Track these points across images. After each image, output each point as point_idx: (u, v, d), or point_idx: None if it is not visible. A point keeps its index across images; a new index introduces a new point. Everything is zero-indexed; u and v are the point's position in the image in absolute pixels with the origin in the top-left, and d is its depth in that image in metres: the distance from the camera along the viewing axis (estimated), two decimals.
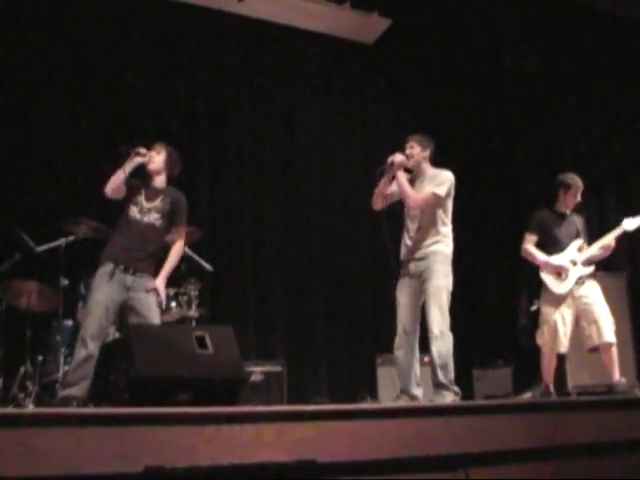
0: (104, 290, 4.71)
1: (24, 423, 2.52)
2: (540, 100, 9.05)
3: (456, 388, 4.84)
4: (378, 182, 5.14)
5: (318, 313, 8.24)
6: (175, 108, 7.87)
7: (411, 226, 5.16)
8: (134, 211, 4.86)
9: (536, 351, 5.82)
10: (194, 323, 6.11)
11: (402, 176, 5.12)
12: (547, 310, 5.72)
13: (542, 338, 5.71)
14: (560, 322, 5.63)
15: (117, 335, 5.45)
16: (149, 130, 7.53)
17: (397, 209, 5.34)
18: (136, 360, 3.61)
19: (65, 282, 5.90)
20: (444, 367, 4.81)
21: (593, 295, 5.67)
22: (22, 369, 5.70)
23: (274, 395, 6.63)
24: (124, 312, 4.81)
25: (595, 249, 5.77)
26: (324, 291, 8.32)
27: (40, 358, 5.73)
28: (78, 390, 4.53)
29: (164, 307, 5.91)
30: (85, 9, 7.40)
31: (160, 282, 4.91)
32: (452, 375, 4.85)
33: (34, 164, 6.90)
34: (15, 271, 5.91)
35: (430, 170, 5.22)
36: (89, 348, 4.55)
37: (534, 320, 5.99)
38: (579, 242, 5.82)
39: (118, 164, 4.82)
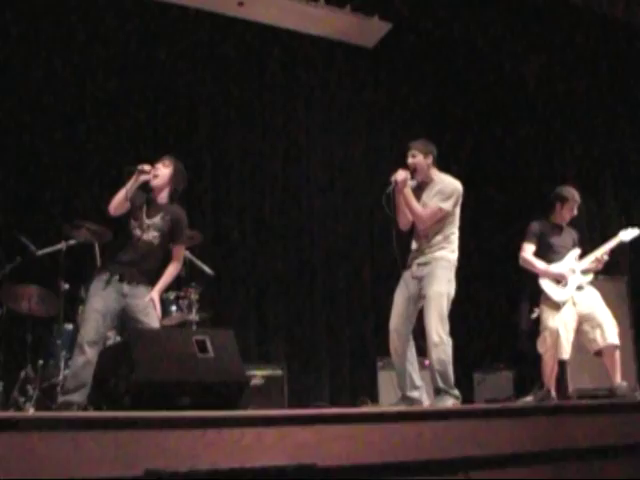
0: (100, 297, 4.71)
1: (25, 427, 2.52)
2: (541, 106, 9.05)
3: (456, 392, 4.82)
4: (391, 208, 5.06)
5: (319, 317, 8.24)
6: (175, 111, 7.87)
7: (418, 230, 5.16)
8: (134, 226, 4.84)
9: (537, 355, 5.81)
10: (195, 327, 6.10)
11: (408, 193, 5.07)
12: (548, 317, 5.71)
13: (544, 345, 5.69)
14: (562, 328, 5.61)
15: (118, 339, 5.44)
16: (149, 133, 7.55)
17: None
18: (136, 364, 3.61)
19: (66, 286, 5.91)
20: (443, 373, 4.80)
21: (593, 300, 5.67)
22: (23, 373, 5.70)
23: (275, 399, 6.63)
24: (123, 318, 4.80)
25: (593, 258, 5.78)
26: (325, 295, 8.32)
27: (41, 362, 5.73)
28: (77, 396, 4.53)
29: (162, 312, 5.93)
30: (84, 14, 7.41)
31: (155, 295, 4.90)
32: (451, 380, 4.84)
33: (35, 168, 6.91)
34: (16, 275, 5.92)
35: (437, 175, 5.17)
36: (87, 354, 4.55)
37: (535, 324, 5.98)
38: (577, 251, 5.83)
39: (122, 183, 4.76)
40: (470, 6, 7.98)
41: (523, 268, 5.95)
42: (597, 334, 5.57)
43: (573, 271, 5.72)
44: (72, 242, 6.02)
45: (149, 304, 4.82)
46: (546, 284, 5.74)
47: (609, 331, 5.55)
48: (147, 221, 4.87)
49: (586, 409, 4.05)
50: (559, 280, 5.72)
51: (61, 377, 5.53)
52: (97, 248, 6.09)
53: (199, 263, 6.41)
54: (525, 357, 7.44)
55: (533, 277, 5.92)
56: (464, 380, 4.99)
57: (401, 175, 5.03)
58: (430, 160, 5.17)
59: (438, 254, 4.99)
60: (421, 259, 5.03)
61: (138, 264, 4.83)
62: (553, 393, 5.67)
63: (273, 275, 8.09)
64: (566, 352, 5.65)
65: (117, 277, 4.76)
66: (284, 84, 8.63)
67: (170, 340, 3.92)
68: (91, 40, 7.45)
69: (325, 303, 8.30)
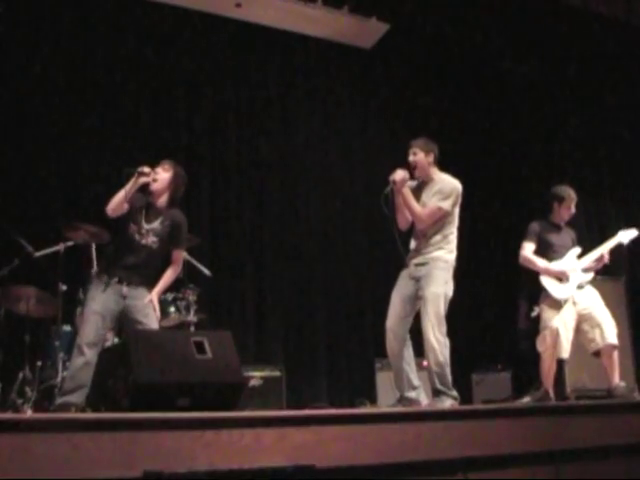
0: (100, 299, 4.71)
1: (23, 428, 2.52)
2: (539, 105, 9.06)
3: (454, 393, 4.82)
4: (389, 207, 5.06)
5: (317, 318, 8.23)
6: (173, 113, 7.87)
7: (416, 230, 5.16)
8: (133, 230, 4.83)
9: (535, 355, 5.81)
10: (193, 328, 6.10)
11: (407, 192, 5.07)
12: (548, 316, 5.71)
13: (543, 344, 5.69)
14: (562, 327, 5.62)
15: (116, 340, 5.44)
16: (147, 135, 7.54)
17: None
18: (135, 365, 3.61)
19: (64, 287, 5.90)
20: (441, 374, 4.80)
21: (593, 299, 5.69)
22: (21, 374, 5.68)
23: (273, 400, 6.62)
24: (122, 319, 4.80)
25: (593, 258, 5.79)
26: (323, 296, 8.31)
27: (39, 363, 5.72)
28: (75, 397, 4.52)
29: (161, 313, 5.93)
30: (82, 15, 7.41)
31: (154, 297, 4.90)
32: (449, 381, 4.84)
33: (33, 169, 6.90)
34: (14, 276, 5.90)
35: (437, 175, 5.17)
36: (86, 356, 4.55)
37: (534, 324, 5.99)
38: (577, 250, 5.84)
39: (121, 184, 4.73)
40: (468, 7, 7.98)
41: (522, 267, 5.95)
42: (596, 334, 5.58)
43: (574, 269, 5.74)
44: (70, 244, 6.01)
45: (148, 305, 4.82)
46: (547, 282, 5.75)
47: (608, 331, 5.56)
48: (146, 226, 4.86)
49: (584, 409, 4.05)
50: (560, 278, 5.73)
51: (59, 378, 5.52)
52: (94, 249, 6.09)
53: (197, 264, 6.41)
54: (523, 357, 7.45)
55: (532, 277, 5.92)
56: (462, 381, 4.99)
57: (399, 175, 5.02)
58: (431, 158, 5.17)
59: (435, 254, 4.99)
60: (419, 259, 5.03)
61: (137, 268, 4.83)
62: (551, 393, 5.67)
63: (271, 276, 8.08)
64: (566, 351, 5.65)
65: (116, 279, 4.76)
66: (282, 85, 8.62)
67: (168, 341, 3.92)
68: (90, 42, 7.45)
69: (323, 304, 8.29)
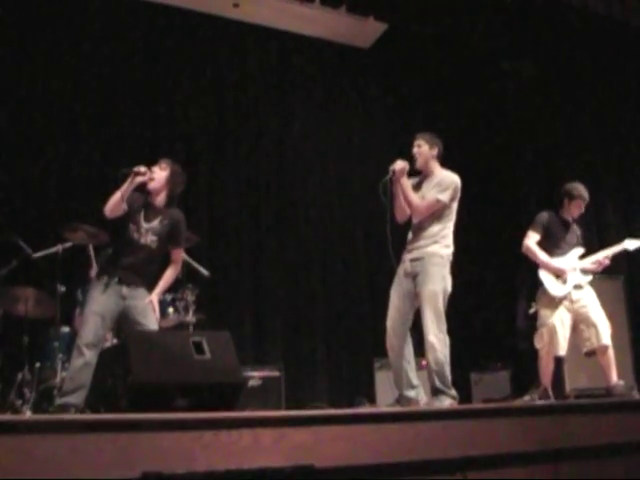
0: (100, 300, 4.71)
1: (22, 430, 2.51)
2: (538, 105, 9.06)
3: (453, 392, 4.81)
4: (387, 197, 5.05)
5: (316, 318, 8.24)
6: (171, 114, 7.87)
7: (413, 223, 5.16)
8: (132, 230, 4.83)
9: (534, 354, 5.82)
10: (191, 329, 6.09)
11: (405, 183, 5.07)
12: (545, 313, 5.73)
13: (541, 341, 5.71)
14: (559, 325, 5.64)
15: (115, 341, 5.44)
16: (145, 136, 7.54)
17: None
18: (133, 366, 3.61)
19: (62, 288, 5.90)
20: (440, 373, 4.79)
21: (589, 299, 5.70)
22: (19, 376, 5.68)
23: (272, 400, 6.62)
24: (122, 320, 4.80)
25: (594, 260, 5.79)
26: (322, 296, 8.32)
27: (37, 365, 5.71)
28: (75, 398, 4.52)
29: (159, 314, 5.92)
30: (80, 17, 7.41)
31: (154, 298, 4.90)
32: (449, 380, 4.82)
33: (31, 171, 6.90)
34: (12, 278, 5.90)
35: (438, 170, 5.17)
36: (86, 356, 4.55)
37: (533, 323, 5.99)
38: (580, 250, 5.85)
39: (118, 185, 4.73)
40: (466, 6, 7.98)
41: (524, 255, 5.94)
42: (592, 334, 5.59)
43: (574, 269, 5.74)
44: (68, 244, 6.01)
45: (148, 306, 4.82)
46: (545, 277, 5.76)
47: (603, 332, 5.58)
48: (145, 225, 4.86)
49: (583, 408, 4.05)
50: (558, 275, 5.73)
51: (58, 380, 5.52)
52: (91, 250, 6.08)
53: (195, 264, 6.40)
54: (522, 356, 7.45)
55: (532, 274, 5.93)
56: (461, 380, 4.99)
57: (399, 164, 5.03)
58: (435, 152, 5.17)
59: (430, 249, 4.97)
60: (414, 254, 5.02)
61: (137, 268, 4.83)
62: (550, 391, 5.68)
63: (270, 276, 8.08)
64: (562, 348, 5.67)
65: (116, 280, 4.76)
66: (280, 85, 8.63)
67: (167, 342, 3.92)
68: (88, 43, 7.44)
69: (322, 304, 8.30)
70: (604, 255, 5.82)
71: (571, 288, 5.69)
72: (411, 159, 5.15)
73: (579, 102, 8.75)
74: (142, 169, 4.76)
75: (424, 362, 5.39)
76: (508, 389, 7.48)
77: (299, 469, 2.79)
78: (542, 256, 5.79)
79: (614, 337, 5.69)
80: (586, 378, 6.90)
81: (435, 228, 5.03)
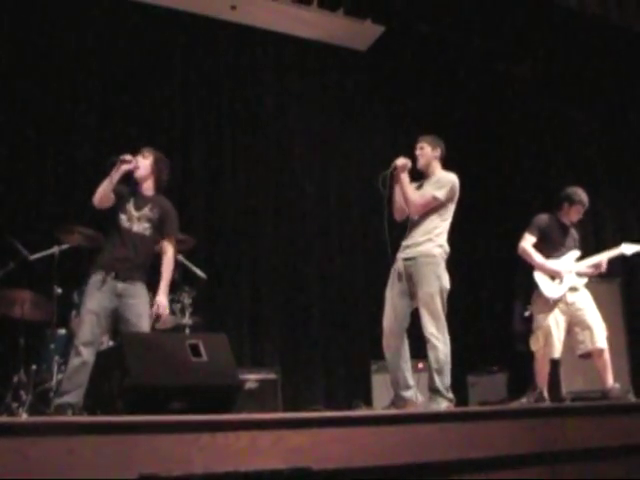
0: (95, 298, 4.71)
1: (18, 432, 2.51)
2: (534, 107, 9.08)
3: (451, 395, 4.81)
4: (386, 189, 5.07)
5: (313, 320, 8.24)
6: (169, 116, 7.87)
7: (410, 221, 5.17)
8: (123, 220, 4.85)
9: (531, 357, 5.83)
10: (188, 331, 6.09)
11: (405, 179, 5.10)
12: (541, 315, 5.74)
13: (536, 344, 5.72)
14: (554, 327, 5.65)
15: (111, 343, 5.43)
16: (143, 137, 7.52)
17: None
18: (130, 368, 3.60)
19: (59, 291, 5.89)
20: (440, 372, 4.78)
21: (585, 302, 5.70)
22: (16, 378, 5.67)
23: (269, 403, 6.62)
24: (115, 319, 4.80)
25: (591, 264, 5.80)
26: (319, 298, 8.32)
27: (34, 367, 5.70)
28: (73, 398, 4.53)
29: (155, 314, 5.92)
30: (79, 17, 7.41)
31: (162, 297, 4.93)
32: (448, 381, 4.83)
33: (28, 173, 6.90)
34: (9, 280, 5.89)
35: (438, 171, 5.21)
36: (83, 356, 4.55)
37: (529, 326, 6.00)
38: (577, 253, 5.85)
39: (106, 174, 4.78)
40: (463, 8, 7.99)
41: (520, 257, 5.95)
42: (586, 336, 5.60)
43: (569, 271, 5.74)
44: (65, 247, 6.00)
45: (143, 305, 4.82)
46: (540, 279, 5.77)
47: (598, 335, 5.58)
48: (136, 213, 4.89)
49: (580, 411, 4.05)
50: (554, 277, 5.74)
51: (54, 382, 5.52)
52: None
53: (192, 267, 6.40)
54: (519, 359, 7.45)
55: (528, 276, 5.93)
56: (458, 383, 4.99)
57: (401, 160, 5.08)
58: (437, 153, 5.23)
59: (422, 248, 4.98)
60: (407, 253, 5.03)
61: (131, 258, 4.84)
62: (545, 394, 5.69)
63: (267, 279, 8.08)
64: (557, 351, 5.68)
65: (113, 274, 4.75)
66: (277, 87, 8.63)
67: (163, 344, 3.92)
68: (84, 44, 7.44)
69: (319, 307, 8.30)
70: (600, 259, 5.82)
71: (566, 290, 5.70)
72: (413, 161, 5.17)
73: (575, 102, 8.76)
74: (127, 157, 4.80)
75: (420, 365, 5.39)
76: (504, 392, 7.48)
77: (296, 471, 2.79)
78: (537, 258, 5.80)
79: (610, 340, 5.69)
80: (582, 381, 6.91)
81: (429, 226, 5.04)
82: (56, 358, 5.67)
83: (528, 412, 3.93)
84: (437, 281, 4.90)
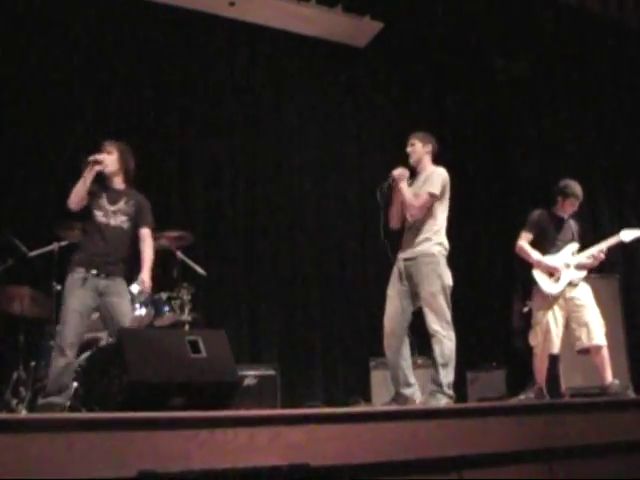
0: (77, 296, 4.69)
1: (17, 428, 2.51)
2: (533, 102, 9.08)
3: (451, 392, 4.83)
4: (383, 197, 5.12)
5: (311, 317, 8.24)
6: (167, 113, 7.86)
7: (406, 224, 5.18)
8: (99, 216, 4.84)
9: (530, 353, 5.84)
10: (187, 327, 6.09)
11: (404, 187, 5.12)
12: (539, 312, 5.75)
13: (535, 339, 5.74)
14: (552, 323, 5.65)
15: (110, 340, 5.43)
16: (141, 133, 7.53)
17: None
18: (129, 365, 3.60)
19: (58, 287, 5.86)
20: (446, 366, 4.82)
21: (584, 297, 5.69)
22: (15, 374, 5.67)
23: (267, 399, 6.62)
24: (100, 316, 4.79)
25: (589, 254, 5.78)
26: (317, 295, 8.32)
27: (33, 363, 5.71)
28: (60, 398, 4.53)
29: (155, 312, 5.93)
30: (74, 13, 7.39)
31: (145, 275, 4.89)
32: (452, 378, 4.85)
33: (26, 169, 6.89)
34: (8, 276, 5.89)
35: (429, 166, 5.24)
36: (68, 357, 4.56)
37: (528, 322, 6.00)
38: (575, 246, 5.84)
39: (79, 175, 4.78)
40: (462, 5, 7.99)
41: (517, 257, 5.96)
42: (583, 333, 5.59)
43: (567, 265, 5.74)
44: (64, 243, 6.00)
45: (126, 303, 4.83)
46: (539, 276, 5.77)
47: (595, 331, 5.56)
48: (111, 207, 4.90)
49: (578, 407, 4.05)
50: (552, 273, 5.74)
51: None
52: None
53: (191, 263, 6.40)
54: (518, 355, 7.46)
55: (526, 275, 5.94)
56: (457, 379, 5.00)
57: (399, 170, 5.12)
58: (428, 149, 5.25)
59: (422, 248, 5.00)
60: (407, 253, 5.06)
61: (111, 253, 4.83)
62: (544, 390, 5.70)
63: (265, 275, 8.08)
64: (555, 346, 5.69)
65: (94, 271, 4.74)
66: (275, 84, 8.62)
67: (162, 341, 3.91)
68: (82, 41, 7.42)
69: (318, 303, 8.29)
70: (599, 248, 5.80)
71: (565, 286, 5.69)
72: (411, 171, 5.21)
73: (574, 99, 8.77)
74: (99, 157, 4.82)
75: (419, 361, 5.38)
76: (503, 388, 7.48)
77: (294, 468, 2.80)
78: (534, 255, 5.80)
79: (609, 336, 5.69)
80: (581, 377, 6.91)
81: (427, 225, 5.07)
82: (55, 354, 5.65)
83: (527, 408, 3.94)
84: (439, 279, 4.92)
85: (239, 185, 8.19)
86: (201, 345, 3.84)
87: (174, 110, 7.94)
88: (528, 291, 6.01)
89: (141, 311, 5.86)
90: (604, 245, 5.82)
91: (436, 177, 5.11)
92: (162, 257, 6.34)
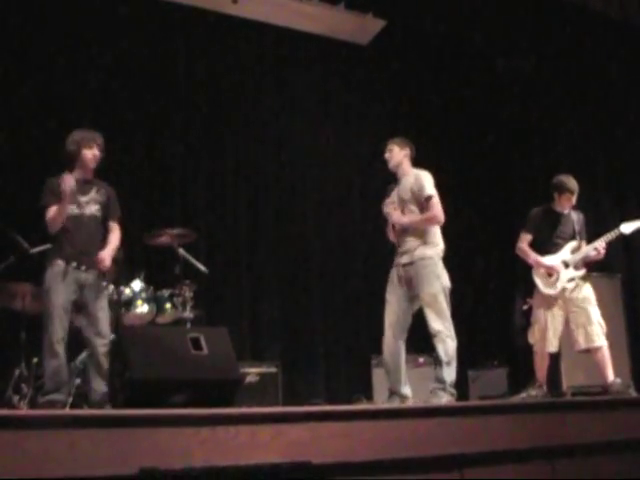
0: (60, 291, 4.66)
1: (19, 425, 2.51)
2: (535, 101, 9.06)
3: (453, 390, 4.85)
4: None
5: (313, 314, 8.23)
6: (170, 110, 7.85)
7: (399, 230, 5.19)
8: (72, 209, 4.80)
9: (531, 351, 5.83)
10: (189, 325, 6.09)
11: (410, 219, 5.11)
12: (538, 310, 5.75)
13: (533, 337, 5.75)
14: (550, 322, 5.65)
15: (112, 337, 5.43)
16: (142, 130, 7.54)
17: None
18: (131, 362, 3.61)
19: None
20: (449, 364, 4.85)
21: (585, 299, 5.65)
22: (17, 371, 5.67)
23: (269, 396, 6.62)
24: (77, 309, 4.78)
25: (590, 250, 5.76)
26: (319, 292, 8.31)
27: (35, 360, 5.70)
28: (59, 395, 4.54)
29: (157, 310, 5.93)
30: (77, 10, 7.38)
31: (107, 252, 4.83)
32: (454, 376, 4.87)
33: (27, 166, 6.88)
34: (9, 273, 5.88)
35: (410, 170, 5.25)
36: (59, 355, 4.55)
37: (529, 320, 6.00)
38: (574, 243, 5.82)
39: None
40: (464, 3, 7.98)
41: (519, 258, 5.96)
42: (580, 335, 5.58)
43: (566, 264, 5.72)
44: None
45: (104, 298, 4.87)
46: (537, 277, 5.77)
47: (594, 332, 5.54)
48: (83, 198, 4.88)
49: (580, 406, 4.06)
50: (550, 273, 5.73)
51: None
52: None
53: (193, 261, 6.40)
54: (519, 354, 7.45)
55: (528, 271, 5.93)
56: (458, 378, 5.01)
57: (394, 218, 5.15)
58: (406, 152, 5.28)
59: (419, 252, 5.02)
60: (405, 258, 5.08)
61: (89, 244, 4.82)
62: (545, 388, 5.69)
63: (267, 272, 8.07)
64: (553, 345, 5.69)
65: (74, 264, 4.72)
66: (278, 81, 8.61)
67: (164, 338, 3.93)
68: (82, 39, 7.40)
69: (319, 301, 8.29)
70: (598, 244, 5.77)
71: (564, 285, 5.68)
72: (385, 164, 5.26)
73: (576, 96, 8.75)
74: (68, 183, 4.70)
75: (421, 359, 5.39)
76: (505, 386, 7.48)
77: (296, 465, 2.80)
78: (533, 256, 5.80)
79: (611, 335, 5.68)
80: (583, 375, 6.90)
81: (420, 228, 5.09)
82: None
83: (528, 407, 3.94)
84: (438, 280, 4.95)
85: (241, 182, 8.18)
86: (203, 342, 3.85)
87: (176, 107, 7.93)
88: (529, 289, 6.00)
89: (143, 308, 5.88)
90: (605, 238, 5.80)
91: (425, 179, 5.12)
92: (164, 254, 6.33)
